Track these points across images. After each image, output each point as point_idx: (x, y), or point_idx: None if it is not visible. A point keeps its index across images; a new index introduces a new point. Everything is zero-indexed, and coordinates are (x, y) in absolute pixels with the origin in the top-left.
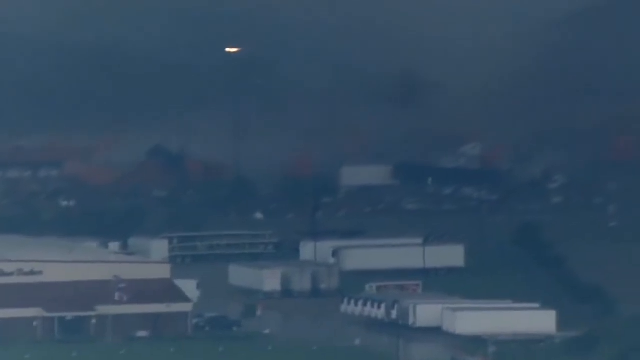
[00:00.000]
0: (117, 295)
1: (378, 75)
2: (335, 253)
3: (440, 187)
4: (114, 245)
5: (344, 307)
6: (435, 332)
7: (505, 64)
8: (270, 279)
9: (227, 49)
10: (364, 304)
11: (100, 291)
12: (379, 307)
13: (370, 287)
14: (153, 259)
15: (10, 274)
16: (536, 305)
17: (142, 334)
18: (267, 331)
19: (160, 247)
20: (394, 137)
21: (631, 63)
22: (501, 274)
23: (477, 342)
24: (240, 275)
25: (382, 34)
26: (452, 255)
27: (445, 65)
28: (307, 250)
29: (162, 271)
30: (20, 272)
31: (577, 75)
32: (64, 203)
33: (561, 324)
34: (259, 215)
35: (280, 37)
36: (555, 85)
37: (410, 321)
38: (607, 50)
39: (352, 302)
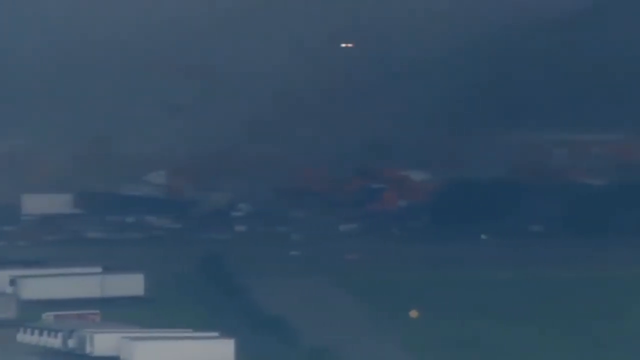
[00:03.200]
0: None
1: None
2: (13, 282)
3: (123, 215)
4: None
5: (20, 337)
6: None
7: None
8: None
9: None
10: (41, 334)
11: None
12: (55, 337)
13: (48, 316)
14: None
15: None
16: (215, 334)
17: None
18: None
19: None
20: (77, 165)
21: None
22: (183, 303)
23: None
24: None
25: None
26: (132, 284)
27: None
28: None
29: None
30: None
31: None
32: None
33: (240, 353)
34: None
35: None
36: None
37: (88, 350)
38: None
39: (29, 331)
